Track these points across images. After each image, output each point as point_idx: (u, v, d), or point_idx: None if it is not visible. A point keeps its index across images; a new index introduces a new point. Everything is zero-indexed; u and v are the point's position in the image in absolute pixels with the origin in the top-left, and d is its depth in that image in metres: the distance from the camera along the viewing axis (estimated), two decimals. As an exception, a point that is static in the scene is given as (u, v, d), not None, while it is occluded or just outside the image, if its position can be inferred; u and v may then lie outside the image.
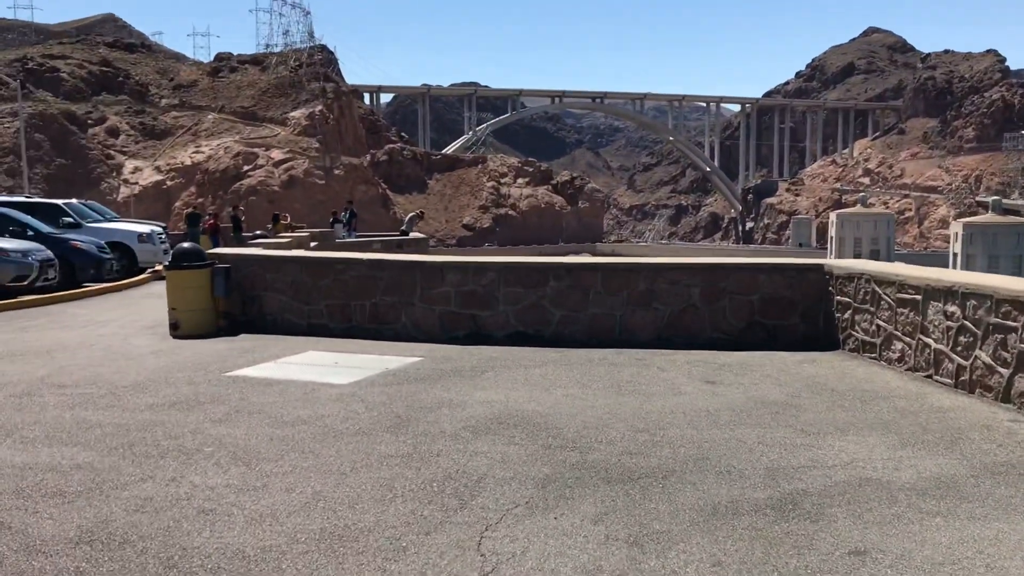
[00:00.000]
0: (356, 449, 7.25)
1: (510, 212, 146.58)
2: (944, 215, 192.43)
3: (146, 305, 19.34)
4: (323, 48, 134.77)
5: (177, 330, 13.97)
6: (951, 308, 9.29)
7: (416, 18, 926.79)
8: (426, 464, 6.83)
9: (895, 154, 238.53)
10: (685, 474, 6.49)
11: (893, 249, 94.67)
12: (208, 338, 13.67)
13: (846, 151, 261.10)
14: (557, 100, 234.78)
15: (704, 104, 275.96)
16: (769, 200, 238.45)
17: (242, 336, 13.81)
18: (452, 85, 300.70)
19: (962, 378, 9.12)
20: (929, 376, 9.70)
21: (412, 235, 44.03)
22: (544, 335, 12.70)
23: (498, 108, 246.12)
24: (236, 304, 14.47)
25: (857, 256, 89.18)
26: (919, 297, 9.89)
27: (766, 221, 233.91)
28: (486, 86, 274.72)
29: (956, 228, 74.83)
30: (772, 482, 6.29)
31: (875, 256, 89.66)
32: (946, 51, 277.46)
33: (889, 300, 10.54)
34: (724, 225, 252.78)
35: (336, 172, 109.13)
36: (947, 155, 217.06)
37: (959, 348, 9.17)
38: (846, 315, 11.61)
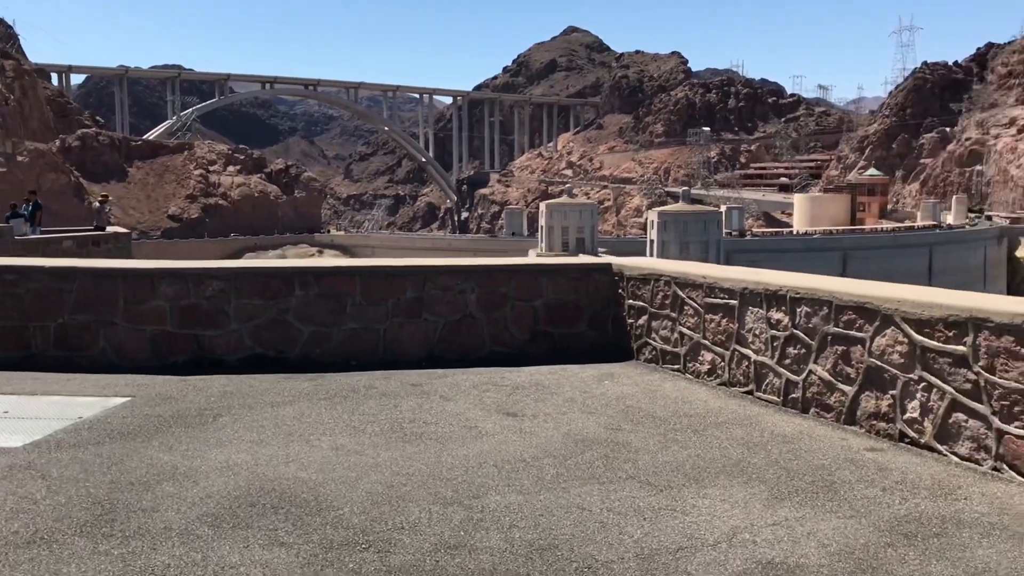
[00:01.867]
0: (30, 579, 4.67)
1: (221, 202, 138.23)
2: (639, 204, 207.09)
3: None
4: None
5: None
6: (776, 315, 8.16)
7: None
8: (148, 600, 4.44)
9: (595, 148, 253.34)
10: (539, 579, 4.62)
11: (596, 237, 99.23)
12: None
13: (551, 144, 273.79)
14: (268, 86, 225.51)
15: (417, 95, 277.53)
16: (482, 191, 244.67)
17: None
18: (153, 67, 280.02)
19: (792, 396, 8.01)
20: (749, 392, 8.54)
21: (111, 229, 38.81)
22: (290, 358, 10.32)
23: (205, 93, 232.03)
24: None
25: (565, 245, 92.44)
26: (734, 302, 8.71)
27: (480, 211, 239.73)
28: (191, 69, 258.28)
29: (652, 216, 79.47)
30: (659, 582, 4.59)
31: (580, 244, 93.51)
32: (637, 52, 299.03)
33: (695, 305, 9.32)
34: (441, 215, 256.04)
35: (20, 159, 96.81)
36: (640, 149, 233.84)
37: (788, 361, 8.05)
38: (640, 321, 10.32)
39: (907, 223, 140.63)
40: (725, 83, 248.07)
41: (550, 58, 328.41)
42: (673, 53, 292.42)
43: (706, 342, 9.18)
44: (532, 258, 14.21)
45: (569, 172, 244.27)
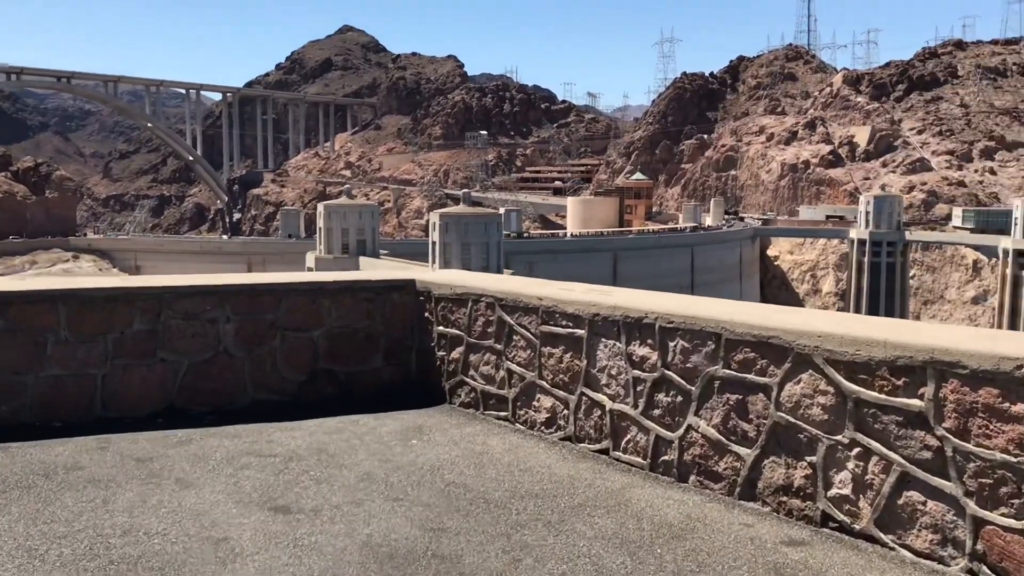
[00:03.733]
0: None
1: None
2: (419, 206, 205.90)
3: None
4: None
5: None
6: (640, 350, 6.17)
7: None
8: None
9: (373, 148, 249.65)
10: None
11: (378, 239, 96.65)
12: None
13: (328, 144, 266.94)
14: (14, 77, 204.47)
15: (184, 91, 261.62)
16: (256, 191, 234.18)
17: None
18: None
19: (664, 458, 6.03)
20: (604, 451, 6.51)
21: None
22: (-43, 421, 7.22)
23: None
24: None
25: (345, 247, 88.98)
26: (582, 332, 6.66)
27: (254, 212, 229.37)
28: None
29: (434, 218, 77.86)
30: None
31: (361, 246, 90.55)
32: (414, 53, 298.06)
33: (528, 334, 7.19)
34: (211, 216, 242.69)
35: None
36: (419, 150, 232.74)
37: (657, 412, 6.08)
38: (455, 354, 8.06)
39: (671, 225, 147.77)
40: (500, 88, 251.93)
41: (325, 57, 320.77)
42: (450, 56, 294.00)
43: (544, 383, 7.07)
44: (310, 271, 11.59)
45: (348, 173, 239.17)
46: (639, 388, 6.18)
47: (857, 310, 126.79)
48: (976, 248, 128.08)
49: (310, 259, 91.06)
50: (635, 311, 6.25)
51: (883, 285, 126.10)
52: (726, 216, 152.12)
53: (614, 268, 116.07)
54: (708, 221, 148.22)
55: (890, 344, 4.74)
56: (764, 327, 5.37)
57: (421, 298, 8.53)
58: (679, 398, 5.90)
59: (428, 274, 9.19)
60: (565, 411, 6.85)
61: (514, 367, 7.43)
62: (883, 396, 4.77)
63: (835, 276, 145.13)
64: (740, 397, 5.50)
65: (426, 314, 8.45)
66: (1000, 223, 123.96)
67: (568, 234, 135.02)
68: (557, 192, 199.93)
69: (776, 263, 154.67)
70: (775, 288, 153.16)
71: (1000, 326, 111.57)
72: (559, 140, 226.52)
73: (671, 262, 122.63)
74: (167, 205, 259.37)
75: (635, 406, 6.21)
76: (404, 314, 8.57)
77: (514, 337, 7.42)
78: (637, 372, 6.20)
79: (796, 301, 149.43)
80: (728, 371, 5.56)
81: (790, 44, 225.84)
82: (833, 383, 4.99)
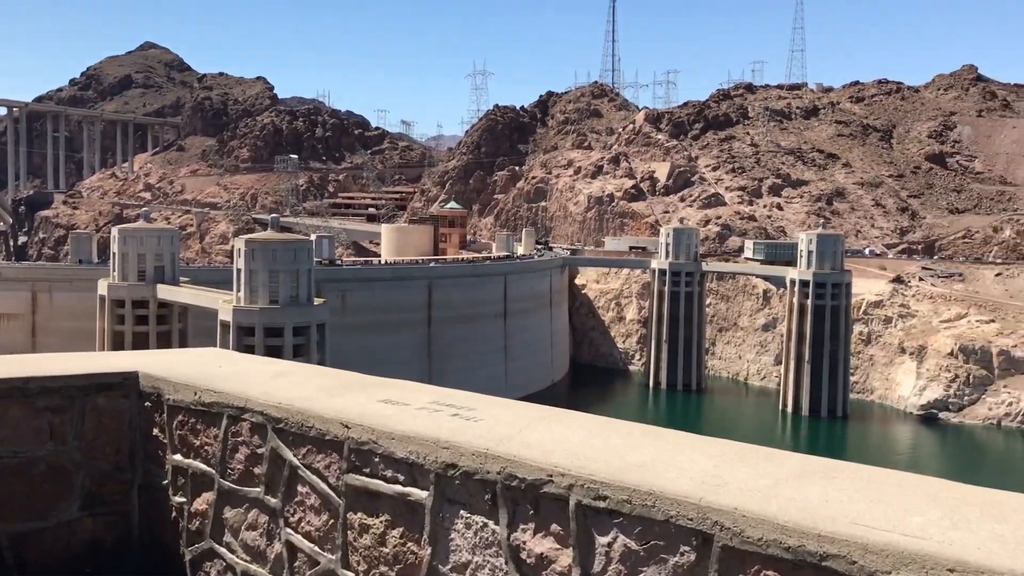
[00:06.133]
0: None
1: None
2: (224, 231, 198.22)
3: None
4: None
5: None
6: (537, 543, 3.73)
7: None
8: None
9: (176, 170, 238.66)
10: None
11: (178, 265, 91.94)
12: None
13: (127, 165, 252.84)
14: None
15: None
16: (44, 212, 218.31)
17: None
18: None
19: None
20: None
21: None
22: None
23: None
24: None
25: (142, 274, 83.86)
26: (423, 493, 4.15)
27: (42, 235, 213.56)
28: None
29: (239, 244, 74.61)
30: None
31: (160, 273, 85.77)
32: (221, 74, 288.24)
33: (325, 487, 4.64)
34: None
35: None
36: (225, 173, 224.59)
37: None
38: (200, 504, 5.40)
39: (484, 253, 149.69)
40: (312, 112, 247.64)
41: (125, 73, 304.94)
42: (259, 78, 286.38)
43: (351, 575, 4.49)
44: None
45: (147, 195, 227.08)
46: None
47: (659, 337, 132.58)
48: (766, 278, 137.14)
49: (102, 286, 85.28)
50: (527, 465, 3.70)
51: (682, 312, 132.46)
52: (537, 246, 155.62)
53: (429, 297, 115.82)
54: (520, 250, 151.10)
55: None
56: (824, 534, 2.97)
57: (148, 404, 5.63)
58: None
59: (159, 364, 6.02)
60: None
61: (299, 541, 4.68)
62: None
63: (638, 304, 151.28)
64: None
65: (156, 431, 5.58)
66: (787, 255, 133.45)
67: (383, 262, 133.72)
68: (371, 219, 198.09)
69: (584, 291, 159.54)
70: (583, 316, 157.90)
71: (788, 351, 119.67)
72: (373, 167, 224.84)
73: (485, 291, 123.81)
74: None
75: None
76: (119, 431, 5.63)
77: (300, 488, 4.69)
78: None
79: (602, 328, 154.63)
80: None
81: (596, 81, 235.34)
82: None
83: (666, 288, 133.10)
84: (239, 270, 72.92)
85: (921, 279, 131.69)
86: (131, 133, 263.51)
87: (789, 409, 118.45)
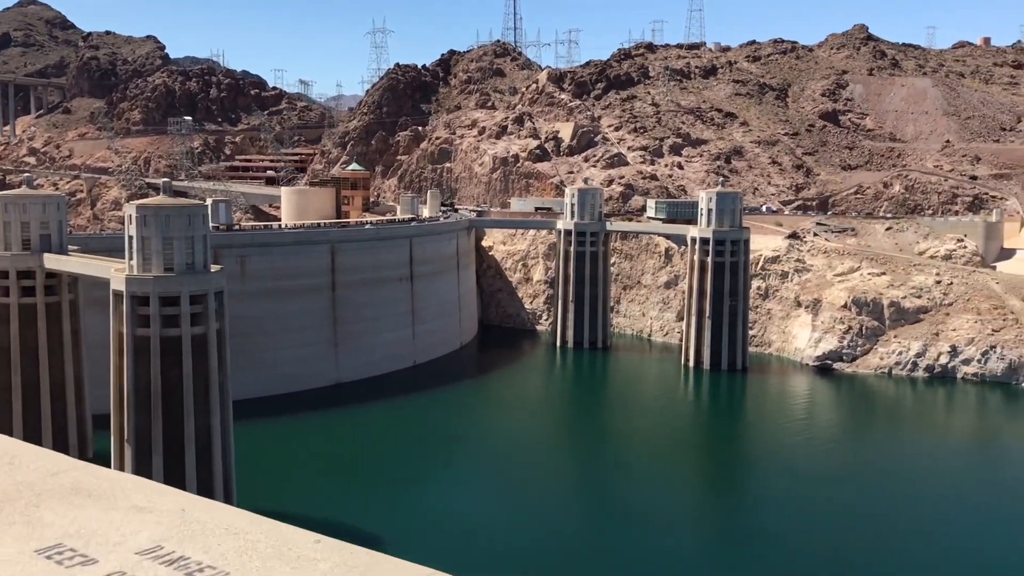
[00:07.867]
0: None
1: None
2: (117, 196, 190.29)
3: None
4: None
5: None
6: None
7: None
8: None
9: (63, 133, 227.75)
10: None
11: (66, 233, 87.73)
12: None
13: (8, 128, 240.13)
14: None
15: None
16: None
17: None
18: None
19: None
20: None
21: None
22: None
23: None
24: None
25: (27, 243, 79.79)
26: None
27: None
28: None
29: (131, 210, 71.20)
30: None
31: (46, 241, 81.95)
32: (108, 32, 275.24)
33: None
34: None
35: None
36: (116, 136, 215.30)
37: None
38: None
39: (389, 216, 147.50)
40: (206, 72, 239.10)
41: (3, 31, 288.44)
42: (149, 37, 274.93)
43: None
44: None
45: (32, 160, 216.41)
46: None
47: (565, 296, 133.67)
48: (668, 237, 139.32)
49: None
50: None
51: (588, 272, 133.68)
52: (442, 208, 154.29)
53: (332, 261, 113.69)
54: (425, 213, 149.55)
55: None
56: None
57: None
58: None
59: None
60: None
61: None
62: None
63: (544, 265, 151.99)
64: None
65: None
66: (688, 213, 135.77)
67: (283, 226, 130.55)
68: (270, 182, 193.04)
69: (491, 253, 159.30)
70: (490, 277, 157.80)
71: (689, 307, 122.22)
72: (271, 128, 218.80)
73: (390, 254, 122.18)
74: None
75: None
76: None
77: None
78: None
79: (510, 289, 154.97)
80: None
81: (498, 40, 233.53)
82: None
83: (572, 248, 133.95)
84: (131, 237, 69.77)
85: (816, 234, 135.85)
86: (12, 95, 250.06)
87: (691, 364, 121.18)
